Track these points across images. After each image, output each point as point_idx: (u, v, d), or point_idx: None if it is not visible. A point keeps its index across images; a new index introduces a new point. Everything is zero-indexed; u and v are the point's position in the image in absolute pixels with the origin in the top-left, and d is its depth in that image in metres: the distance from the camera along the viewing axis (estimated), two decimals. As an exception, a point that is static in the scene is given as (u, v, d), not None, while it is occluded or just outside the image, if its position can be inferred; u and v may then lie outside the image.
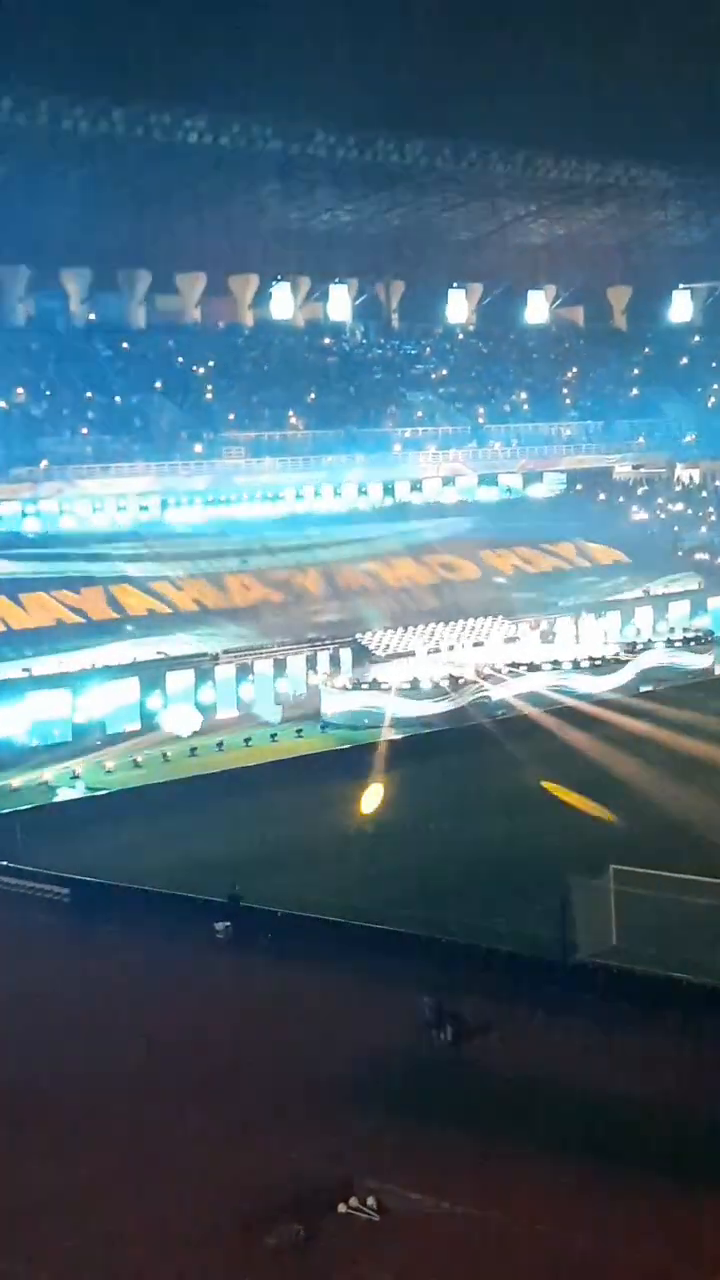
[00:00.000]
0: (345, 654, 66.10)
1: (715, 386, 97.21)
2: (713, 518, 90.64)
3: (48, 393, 75.18)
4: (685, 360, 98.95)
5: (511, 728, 58.46)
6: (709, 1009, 29.79)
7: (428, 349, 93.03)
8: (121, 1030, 30.61)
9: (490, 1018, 29.76)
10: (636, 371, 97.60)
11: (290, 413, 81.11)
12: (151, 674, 59.74)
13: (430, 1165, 24.67)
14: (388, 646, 66.22)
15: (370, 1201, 23.38)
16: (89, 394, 76.15)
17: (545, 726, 58.06)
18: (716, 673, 69.67)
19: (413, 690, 60.96)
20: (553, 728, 57.79)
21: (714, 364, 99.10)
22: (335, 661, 65.70)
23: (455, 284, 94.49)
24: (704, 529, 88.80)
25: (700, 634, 72.53)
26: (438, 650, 66.39)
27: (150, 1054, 29.40)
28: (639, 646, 69.16)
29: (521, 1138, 25.27)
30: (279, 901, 36.55)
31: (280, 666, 64.29)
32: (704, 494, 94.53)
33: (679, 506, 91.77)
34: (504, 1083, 27.59)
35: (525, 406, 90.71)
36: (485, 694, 62.44)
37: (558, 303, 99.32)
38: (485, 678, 63.15)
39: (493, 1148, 25.09)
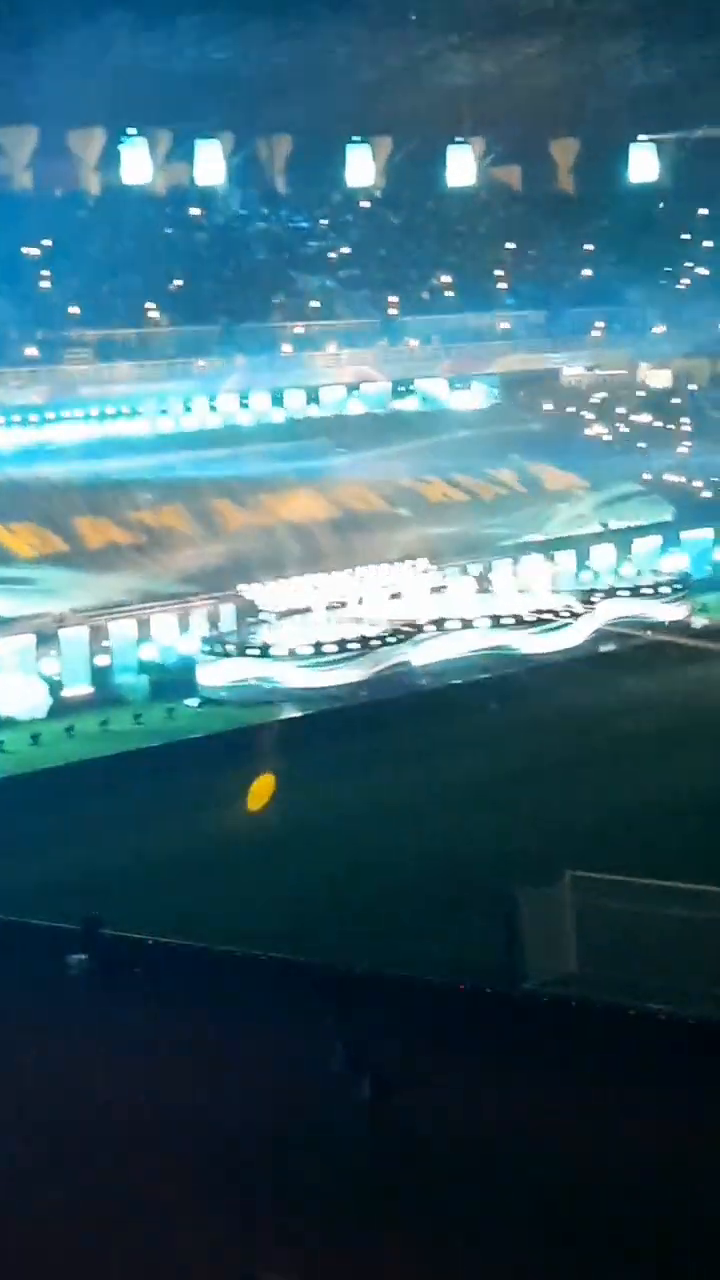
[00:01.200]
0: (226, 611, 66.03)
1: (688, 264, 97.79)
2: (687, 430, 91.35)
3: None
4: (650, 232, 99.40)
5: (439, 702, 58.75)
6: (692, 1050, 30.12)
7: (324, 221, 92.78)
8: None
9: (419, 1066, 29.89)
10: (589, 247, 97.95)
11: (149, 304, 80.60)
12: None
13: (343, 1255, 24.73)
14: (279, 601, 66.20)
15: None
16: None
17: (479, 701, 58.38)
18: (694, 626, 70.40)
19: (313, 656, 61.09)
20: (488, 703, 58.13)
21: (686, 235, 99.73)
22: (214, 622, 65.63)
23: (357, 138, 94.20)
24: (677, 446, 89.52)
25: (674, 578, 73.21)
26: (343, 605, 66.51)
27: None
28: (598, 596, 69.66)
29: (456, 1219, 25.38)
30: (150, 927, 36.49)
31: (144, 629, 64.11)
32: (676, 401, 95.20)
33: (645, 418, 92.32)
34: (435, 1149, 27.70)
35: (449, 293, 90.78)
36: (405, 660, 62.72)
37: (488, 161, 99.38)
38: (405, 639, 63.43)
39: (420, 1232, 25.18)
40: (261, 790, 48.94)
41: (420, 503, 78.02)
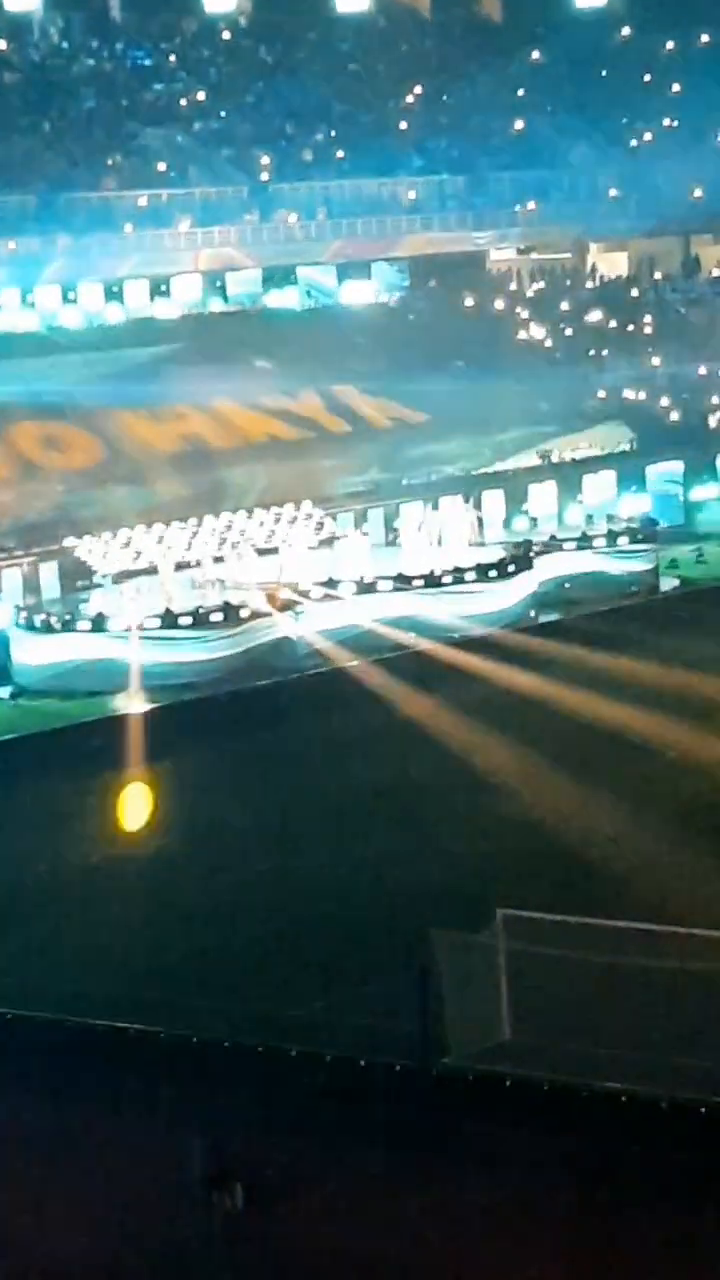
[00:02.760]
0: (48, 572, 65.87)
1: (651, 113, 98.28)
2: (650, 333, 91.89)
3: None
4: (602, 71, 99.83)
5: (328, 690, 58.91)
6: (656, 1140, 30.36)
7: (172, 57, 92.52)
8: None
9: (304, 1170, 30.03)
10: (521, 92, 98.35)
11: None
12: None
13: None
14: (116, 560, 66.07)
15: None
16: None
17: (382, 687, 58.53)
18: (662, 588, 70.88)
19: (164, 630, 61.06)
20: (394, 690, 58.30)
21: (646, 76, 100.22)
22: (32, 586, 65.45)
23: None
24: (638, 354, 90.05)
25: (634, 526, 73.64)
26: (200, 564, 66.54)
27: None
28: (536, 548, 69.99)
29: None
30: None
31: (-64, 597, 64.03)
32: (635, 294, 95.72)
33: (596, 315, 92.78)
34: (320, 1273, 27.87)
35: (339, 153, 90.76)
36: (282, 634, 62.81)
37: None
38: (284, 607, 63.50)
39: None
40: (103, 809, 49.13)
41: (302, 430, 78.07)
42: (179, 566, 66.16)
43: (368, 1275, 27.62)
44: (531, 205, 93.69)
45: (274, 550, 68.44)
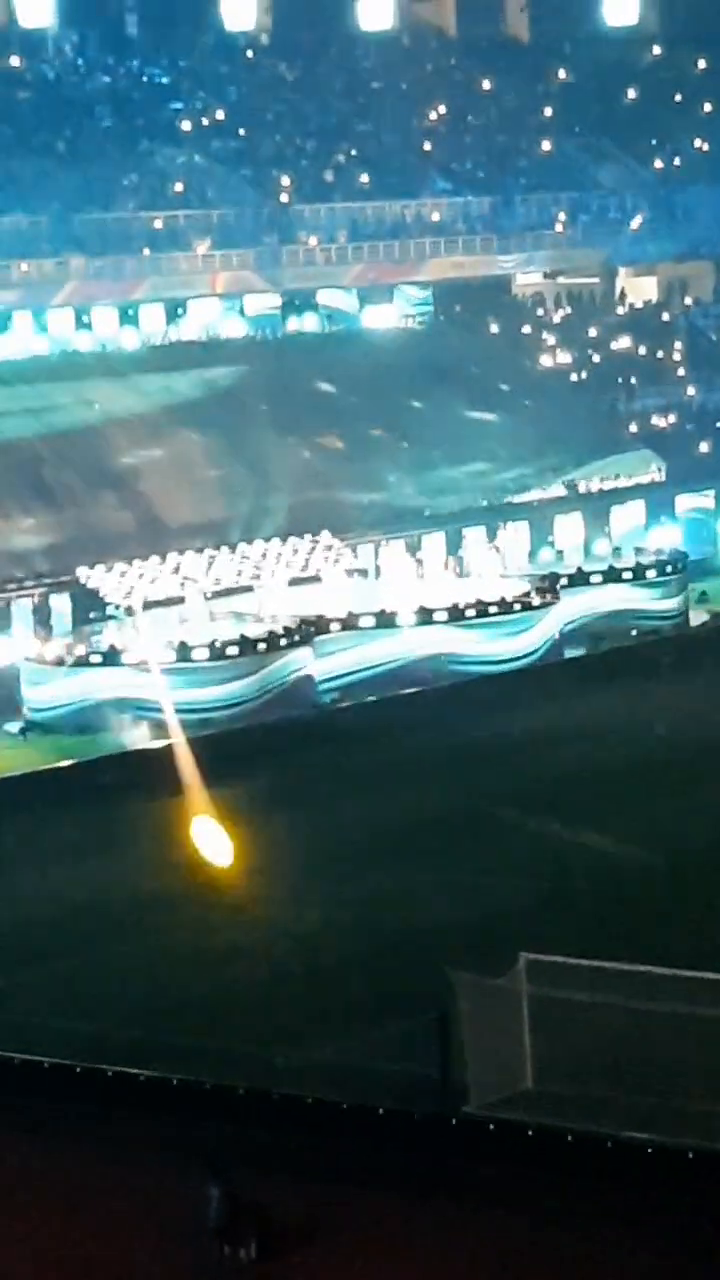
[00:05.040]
0: (61, 604, 65.98)
1: (681, 135, 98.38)
2: (680, 359, 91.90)
3: None
4: (631, 92, 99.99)
5: (350, 725, 58.93)
6: (683, 1190, 30.29)
7: (190, 75, 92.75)
8: None
9: (320, 1219, 29.98)
10: (549, 111, 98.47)
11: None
12: None
13: None
14: (133, 590, 66.16)
15: None
16: None
17: (402, 722, 58.57)
18: (692, 621, 70.83)
19: (181, 664, 61.16)
20: (413, 725, 58.36)
21: (677, 96, 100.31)
22: (43, 619, 65.56)
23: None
24: (668, 381, 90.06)
25: (664, 558, 73.59)
26: (219, 595, 66.62)
27: None
28: (562, 581, 70.02)
29: None
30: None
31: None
32: (664, 318, 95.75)
33: (624, 342, 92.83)
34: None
35: (361, 174, 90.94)
36: (303, 669, 62.89)
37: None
38: (303, 641, 63.60)
39: None
40: (118, 850, 49.20)
41: (324, 458, 78.18)
42: (198, 598, 66.13)
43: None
44: (559, 228, 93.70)
45: (295, 581, 68.43)
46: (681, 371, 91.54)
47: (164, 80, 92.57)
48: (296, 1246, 29.15)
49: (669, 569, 72.49)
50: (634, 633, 69.58)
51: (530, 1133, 31.77)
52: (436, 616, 65.81)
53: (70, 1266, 29.43)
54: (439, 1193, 30.92)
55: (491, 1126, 32.12)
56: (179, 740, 57.00)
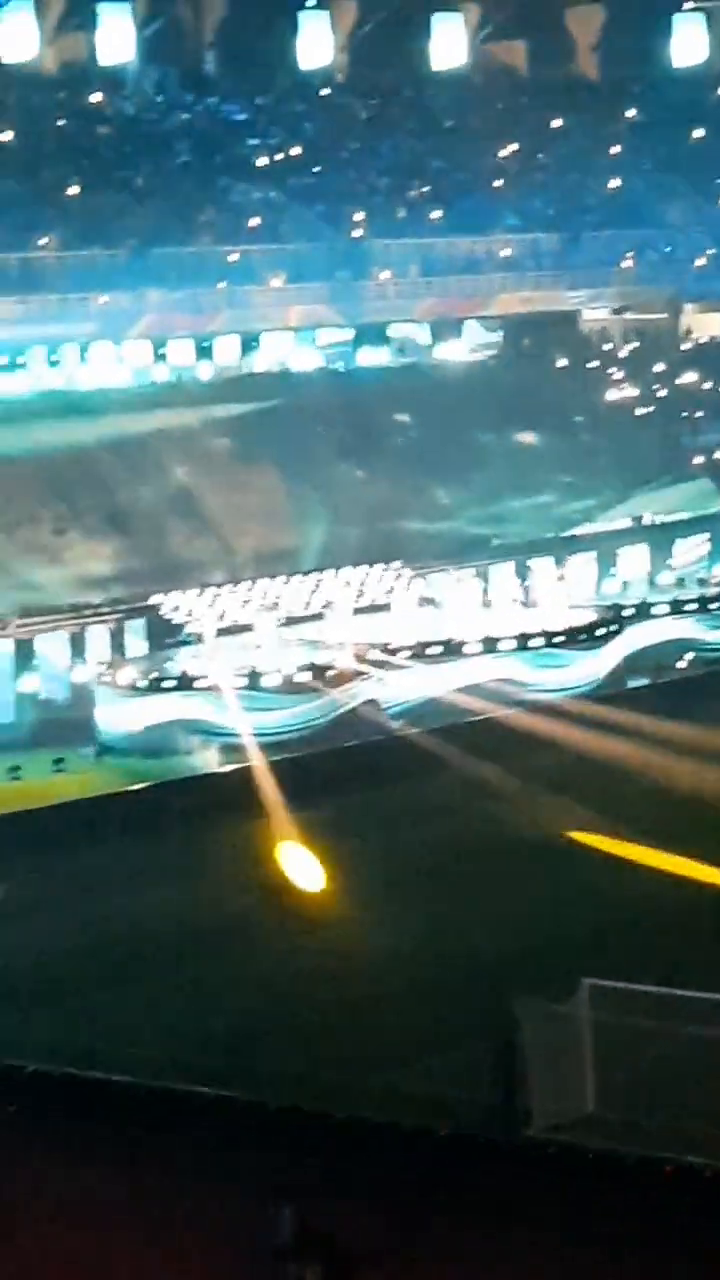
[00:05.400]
0: (135, 629, 66.32)
1: None
2: None
3: None
4: (698, 131, 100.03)
5: (417, 751, 59.13)
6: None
7: (267, 113, 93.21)
8: None
9: (383, 1243, 30.20)
10: (616, 150, 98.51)
11: (35, 221, 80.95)
12: None
13: None
14: (205, 616, 66.53)
15: None
16: None
17: (466, 751, 58.90)
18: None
19: (252, 690, 61.43)
20: (477, 754, 58.55)
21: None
22: (118, 643, 65.91)
23: (312, 2, 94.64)
24: None
25: (726, 590, 73.93)
26: (289, 622, 66.92)
27: None
28: (627, 611, 70.24)
29: None
30: (29, 1051, 36.88)
31: (24, 651, 64.39)
32: None
33: (689, 376, 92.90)
34: None
35: (433, 210, 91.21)
36: (371, 696, 63.09)
37: (484, 34, 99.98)
38: (375, 666, 63.79)
39: None
40: (184, 871, 49.52)
41: (394, 488, 78.40)
42: (269, 624, 66.44)
43: None
44: (626, 265, 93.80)
45: (366, 609, 68.68)
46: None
47: (240, 117, 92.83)
48: (362, 1269, 29.43)
49: (731, 601, 72.77)
50: (693, 663, 69.59)
51: (590, 1155, 32.08)
52: (503, 645, 66.09)
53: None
54: (501, 1215, 31.16)
55: (552, 1150, 32.41)
56: (251, 764, 57.41)
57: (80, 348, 78.79)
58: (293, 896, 47.65)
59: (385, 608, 69.19)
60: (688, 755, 57.57)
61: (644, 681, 68.18)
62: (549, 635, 67.10)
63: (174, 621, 66.67)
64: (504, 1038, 33.64)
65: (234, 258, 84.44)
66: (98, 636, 66.17)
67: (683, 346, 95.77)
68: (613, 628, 68.69)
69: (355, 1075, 36.10)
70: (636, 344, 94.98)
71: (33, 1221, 31.86)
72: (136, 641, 66.79)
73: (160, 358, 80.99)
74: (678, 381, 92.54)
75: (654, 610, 71.11)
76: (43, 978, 42.86)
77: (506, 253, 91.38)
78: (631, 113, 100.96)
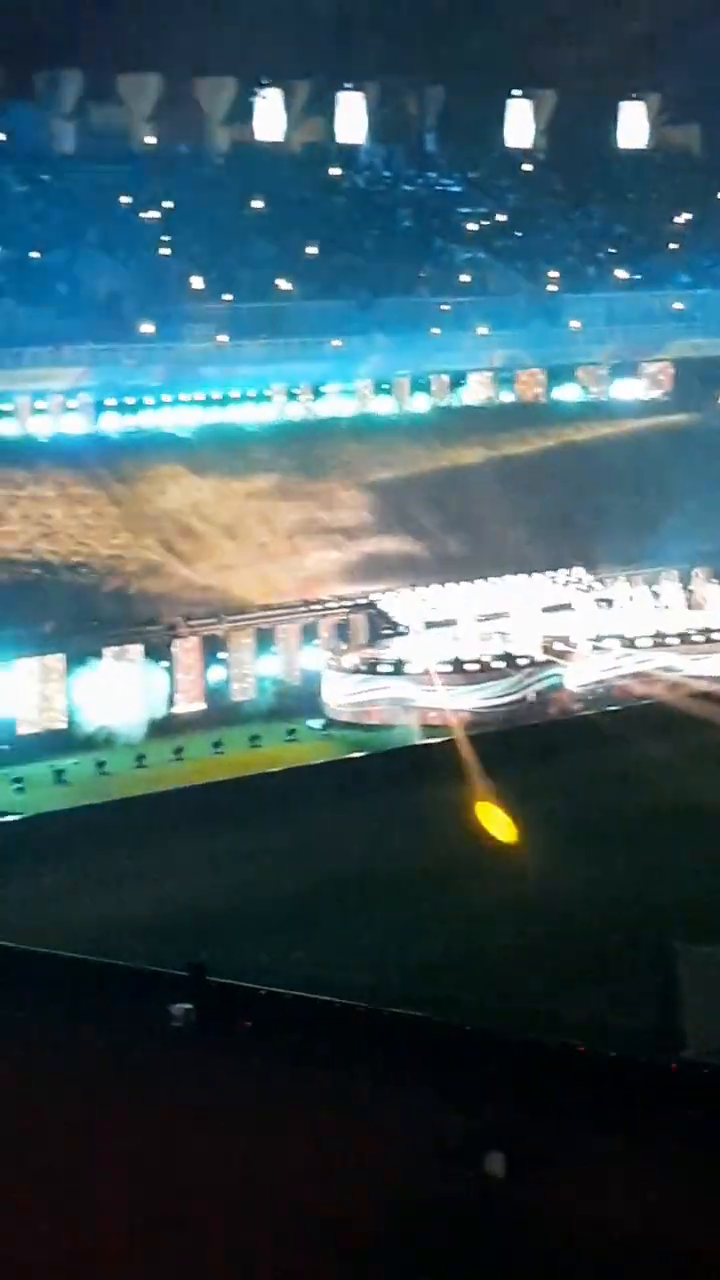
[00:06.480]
0: (358, 623, 66.54)
1: None
2: None
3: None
4: None
5: (594, 729, 58.89)
6: None
7: (477, 185, 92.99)
8: (33, 1157, 30.98)
9: (552, 1144, 30.02)
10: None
11: (281, 275, 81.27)
12: (82, 651, 60.20)
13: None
14: (417, 611, 66.59)
15: None
16: (-7, 247, 76.53)
17: (640, 729, 58.50)
18: None
19: (455, 674, 61.43)
20: (650, 731, 58.18)
21: None
22: (343, 634, 66.14)
23: (517, 90, 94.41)
24: None
25: None
26: (489, 618, 66.78)
27: (74, 1193, 29.73)
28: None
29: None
30: (261, 976, 36.98)
31: (264, 640, 64.76)
32: None
33: None
34: (571, 1241, 27.77)
35: (618, 270, 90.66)
36: (556, 681, 62.91)
37: (663, 119, 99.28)
38: (559, 656, 63.63)
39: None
40: (393, 827, 49.57)
41: (579, 506, 77.98)
42: (471, 619, 66.31)
43: (597, 1246, 27.50)
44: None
45: (553, 608, 68.37)
46: None
47: (455, 189, 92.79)
48: (531, 1169, 29.25)
49: None
50: None
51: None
52: (669, 640, 65.65)
53: (343, 1179, 29.69)
54: (659, 1128, 30.86)
55: (706, 1071, 31.99)
56: (451, 737, 57.37)
57: (315, 384, 78.92)
58: (484, 849, 47.52)
59: (568, 607, 68.83)
60: None
61: None
62: (709, 631, 66.57)
63: (390, 616, 66.72)
64: (665, 973, 33.38)
65: (447, 308, 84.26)
66: (326, 628, 66.45)
67: None
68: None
69: (533, 1002, 35.92)
70: None
71: (266, 1118, 32.06)
72: (358, 632, 66.95)
73: (383, 392, 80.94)
74: None
75: None
76: (276, 913, 43.07)
77: (679, 305, 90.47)
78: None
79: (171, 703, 61.38)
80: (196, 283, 78.99)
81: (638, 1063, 32.37)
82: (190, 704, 62.41)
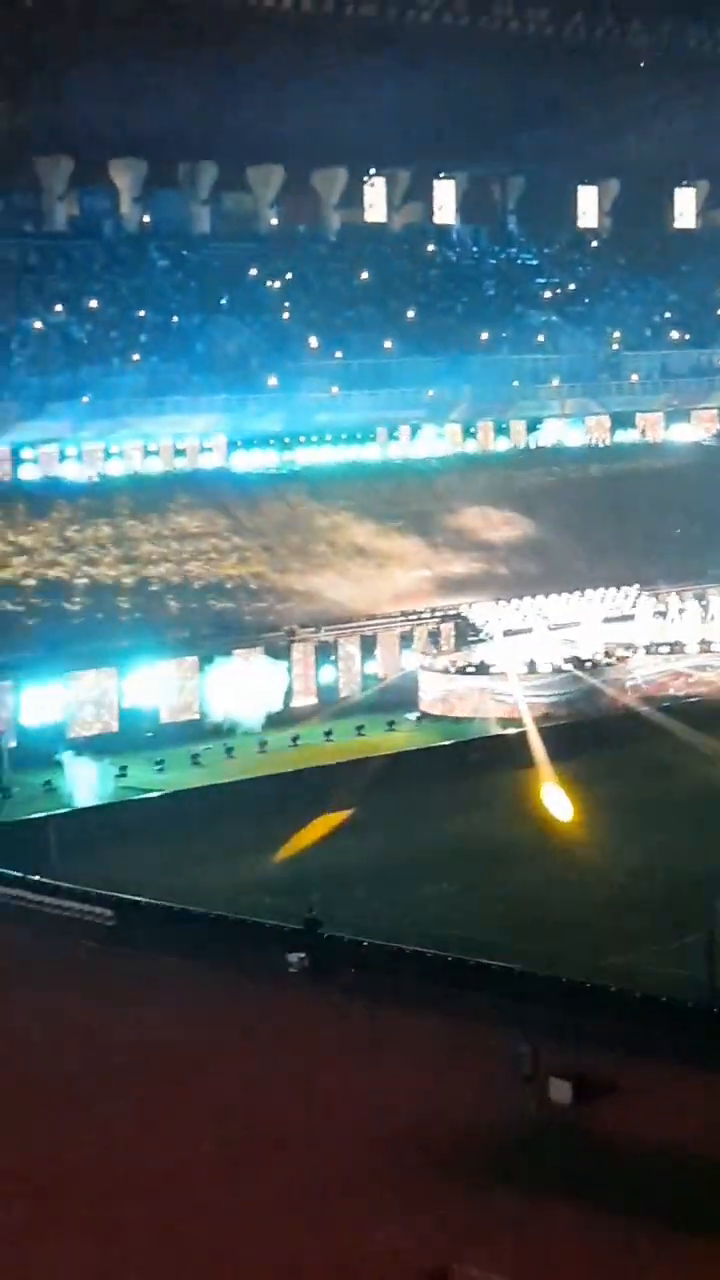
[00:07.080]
0: (447, 630, 66.42)
1: None
2: None
3: (92, 310, 75.85)
4: None
5: (650, 722, 58.51)
6: None
7: (551, 259, 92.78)
8: (173, 1084, 31.06)
9: (618, 1077, 29.88)
10: None
11: (384, 336, 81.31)
12: (213, 653, 60.35)
13: (539, 1254, 24.77)
14: (498, 621, 66.41)
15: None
16: (141, 313, 76.77)
17: (691, 722, 57.98)
18: None
19: (530, 675, 61.22)
20: (700, 724, 57.66)
21: None
22: (435, 639, 66.05)
23: (585, 179, 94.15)
24: None
25: None
26: (560, 627, 66.48)
27: (209, 1113, 29.80)
28: None
29: (648, 1222, 25.28)
30: (365, 929, 36.94)
31: (368, 645, 64.75)
32: None
33: None
34: (627, 1155, 27.64)
35: (672, 331, 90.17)
36: (618, 680, 62.58)
37: (711, 203, 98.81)
38: (619, 660, 63.30)
39: (610, 1233, 25.08)
40: (476, 803, 49.47)
41: (637, 533, 77.45)
42: (545, 628, 65.99)
43: (647, 1158, 27.24)
44: None
45: (615, 618, 67.96)
46: None
47: (532, 262, 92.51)
48: (596, 1094, 29.16)
49: None
50: None
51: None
52: (715, 647, 65.15)
53: (422, 1102, 29.70)
54: (706, 1061, 30.70)
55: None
56: (528, 729, 57.15)
57: (413, 428, 78.86)
58: (554, 825, 47.37)
59: (628, 618, 68.41)
60: None
61: None
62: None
63: (475, 624, 66.58)
64: (709, 932, 33.19)
65: (524, 364, 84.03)
66: (420, 634, 66.34)
67: None
68: None
69: (598, 954, 35.80)
70: None
71: (369, 1057, 32.04)
72: (448, 638, 66.82)
73: (470, 435, 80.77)
74: None
75: None
76: (382, 878, 43.02)
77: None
78: None
79: (289, 698, 61.39)
80: (313, 342, 79.16)
81: (686, 1005, 32.37)
82: (305, 699, 62.42)
